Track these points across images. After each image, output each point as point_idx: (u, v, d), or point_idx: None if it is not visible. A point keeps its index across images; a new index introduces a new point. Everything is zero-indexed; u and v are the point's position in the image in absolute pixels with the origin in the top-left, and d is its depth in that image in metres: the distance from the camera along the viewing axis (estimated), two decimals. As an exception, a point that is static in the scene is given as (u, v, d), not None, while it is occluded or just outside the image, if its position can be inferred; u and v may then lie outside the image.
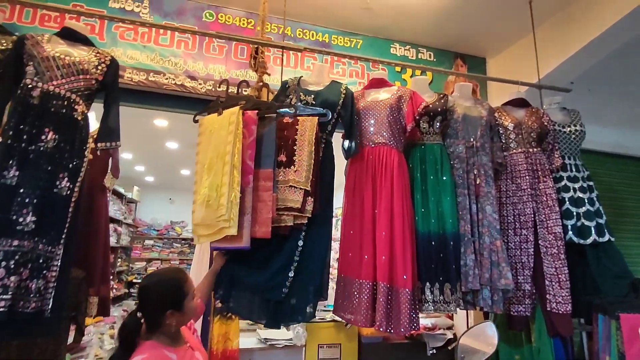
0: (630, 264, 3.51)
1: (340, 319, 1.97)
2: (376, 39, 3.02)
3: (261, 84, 2.18)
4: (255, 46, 2.20)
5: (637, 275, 3.42)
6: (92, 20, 2.39)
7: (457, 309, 1.92)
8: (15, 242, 1.42)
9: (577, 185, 2.22)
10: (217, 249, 1.76)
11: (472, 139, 2.12)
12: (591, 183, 2.27)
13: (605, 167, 3.58)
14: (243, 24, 2.76)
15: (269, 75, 2.21)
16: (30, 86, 1.58)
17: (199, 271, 2.47)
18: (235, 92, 1.89)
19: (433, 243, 1.92)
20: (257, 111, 1.80)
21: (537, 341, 2.08)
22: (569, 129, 2.31)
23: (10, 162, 1.48)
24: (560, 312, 1.99)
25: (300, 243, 1.73)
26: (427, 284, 1.88)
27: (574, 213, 2.17)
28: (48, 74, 1.61)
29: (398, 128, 1.97)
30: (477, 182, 2.07)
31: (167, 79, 2.51)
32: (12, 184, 1.47)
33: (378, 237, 1.82)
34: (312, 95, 1.95)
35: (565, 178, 2.24)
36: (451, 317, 3.08)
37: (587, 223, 2.15)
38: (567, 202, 2.19)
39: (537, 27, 2.82)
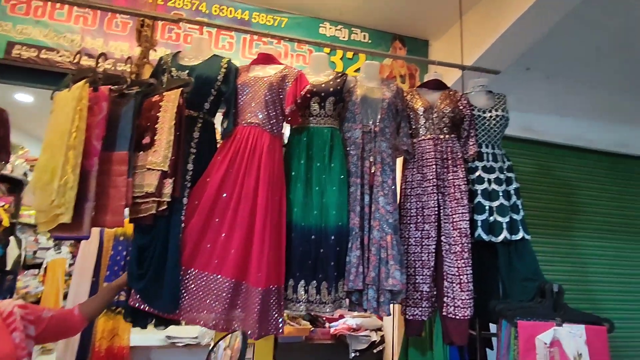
0: (581, 264, 3.28)
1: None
2: (303, 17, 2.80)
3: (145, 59, 2.00)
4: (141, 19, 2.02)
5: (584, 279, 3.19)
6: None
7: (338, 309, 1.74)
8: None
9: (492, 177, 1.99)
10: (58, 238, 1.60)
11: (370, 123, 1.91)
12: (511, 175, 2.04)
13: (563, 161, 3.31)
14: (151, -2, 2.57)
15: (155, 51, 2.02)
16: None
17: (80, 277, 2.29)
18: (95, 64, 1.70)
19: (313, 237, 1.72)
20: (109, 87, 1.63)
21: (434, 348, 1.87)
22: (489, 114, 2.08)
23: None
24: (457, 317, 1.78)
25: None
26: (302, 282, 1.69)
27: (486, 207, 1.94)
28: None
29: (276, 109, 1.77)
30: (372, 171, 1.86)
31: (61, 56, 2.33)
32: None
33: (235, 228, 1.62)
34: (187, 71, 1.75)
35: (480, 168, 2.01)
36: (381, 318, 2.88)
37: (499, 219, 1.93)
38: (480, 195, 1.96)
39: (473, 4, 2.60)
